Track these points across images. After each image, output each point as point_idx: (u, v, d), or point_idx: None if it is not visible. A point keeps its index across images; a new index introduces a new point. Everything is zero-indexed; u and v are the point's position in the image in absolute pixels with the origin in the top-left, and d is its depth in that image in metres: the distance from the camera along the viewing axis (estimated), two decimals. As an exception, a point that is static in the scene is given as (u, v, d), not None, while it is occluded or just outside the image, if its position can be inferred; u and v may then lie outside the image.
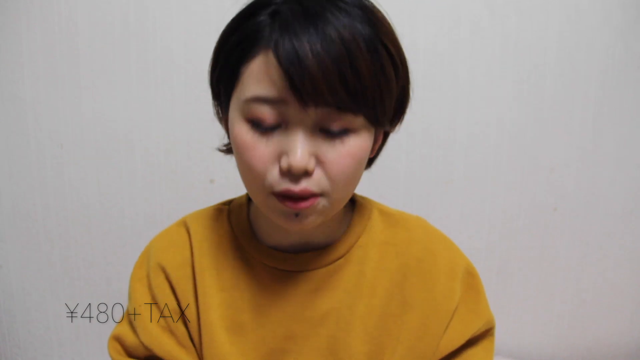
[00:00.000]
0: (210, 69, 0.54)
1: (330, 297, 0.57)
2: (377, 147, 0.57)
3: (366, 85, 0.46)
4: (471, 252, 1.13)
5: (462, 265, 0.61)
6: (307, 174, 0.48)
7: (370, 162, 0.61)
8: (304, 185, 0.48)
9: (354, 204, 0.63)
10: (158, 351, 0.57)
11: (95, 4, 1.09)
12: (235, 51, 0.49)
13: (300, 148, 0.46)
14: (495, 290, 1.14)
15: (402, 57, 0.51)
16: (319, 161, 0.48)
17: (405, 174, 1.10)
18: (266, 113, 0.47)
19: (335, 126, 0.47)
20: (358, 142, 0.49)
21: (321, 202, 0.50)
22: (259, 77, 0.47)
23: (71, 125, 1.15)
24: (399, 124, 0.58)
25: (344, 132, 0.48)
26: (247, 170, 0.50)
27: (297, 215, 0.50)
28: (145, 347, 0.58)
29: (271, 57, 0.46)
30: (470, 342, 0.59)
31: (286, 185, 0.48)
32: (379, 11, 0.50)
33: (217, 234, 0.61)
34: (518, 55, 1.06)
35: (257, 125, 0.48)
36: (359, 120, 0.48)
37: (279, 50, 0.44)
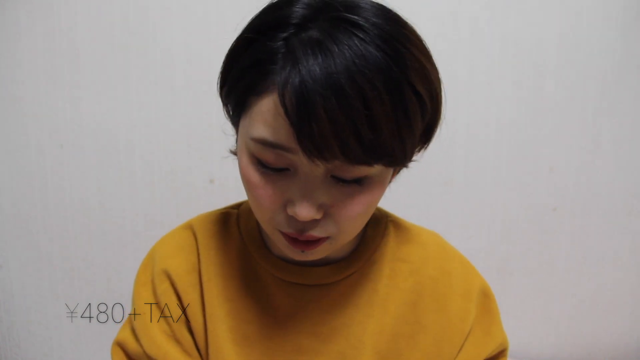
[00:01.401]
0: (219, 82, 0.49)
1: (341, 313, 0.56)
2: (397, 173, 0.55)
3: (385, 137, 0.41)
4: (471, 252, 1.13)
5: (477, 286, 0.59)
6: (313, 221, 0.46)
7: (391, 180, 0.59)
8: (309, 232, 0.46)
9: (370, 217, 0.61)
10: None
11: (95, 4, 1.09)
12: (245, 77, 0.44)
13: (307, 200, 0.44)
14: (495, 290, 1.13)
15: (432, 91, 0.45)
16: (327, 206, 0.45)
17: (405, 174, 1.09)
18: (272, 158, 0.44)
19: (348, 176, 0.44)
20: (371, 189, 0.46)
21: (328, 241, 0.48)
22: (267, 120, 0.42)
23: (71, 125, 1.15)
24: (423, 150, 0.53)
25: (357, 181, 0.45)
26: (255, 205, 0.48)
27: (303, 251, 0.49)
28: (149, 357, 0.56)
29: (278, 103, 0.41)
30: None
31: (291, 231, 0.47)
32: (407, 36, 0.44)
33: (225, 241, 0.59)
34: (518, 55, 1.06)
35: (263, 165, 0.45)
36: (374, 168, 0.44)
37: (286, 99, 0.39)
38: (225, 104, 0.51)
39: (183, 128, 1.12)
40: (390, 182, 0.55)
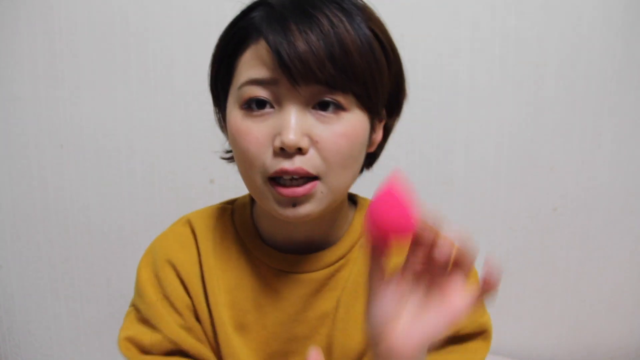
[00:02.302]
0: (210, 73, 0.56)
1: (330, 297, 0.58)
2: (375, 140, 0.56)
3: (354, 61, 0.47)
4: (471, 252, 1.13)
5: None
6: (300, 152, 0.48)
7: (372, 160, 0.60)
8: (298, 164, 0.48)
9: (357, 205, 0.63)
10: (184, 345, 0.56)
11: (95, 4, 1.09)
12: (229, 47, 0.52)
13: (292, 126, 0.47)
14: (495, 290, 1.14)
15: (392, 45, 0.53)
16: (313, 141, 0.48)
17: (405, 174, 1.09)
18: (259, 92, 0.49)
19: (328, 108, 0.49)
20: (351, 122, 0.49)
21: (319, 187, 0.49)
22: (251, 63, 0.49)
23: (71, 125, 1.15)
24: (397, 117, 0.58)
25: (336, 111, 0.49)
26: (243, 157, 0.50)
27: (294, 204, 0.50)
28: (172, 342, 0.57)
29: (262, 43, 0.48)
30: (455, 340, 0.58)
31: (280, 165, 0.48)
32: (369, 7, 0.52)
33: (221, 234, 0.61)
34: (518, 55, 1.06)
35: (251, 108, 0.49)
36: (350, 99, 0.49)
37: (268, 34, 0.47)
38: (216, 91, 0.56)
39: (183, 128, 1.12)
40: (376, 153, 0.59)
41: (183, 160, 1.13)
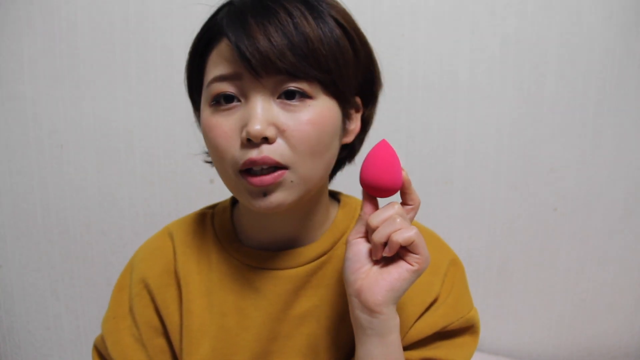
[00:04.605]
0: (185, 78, 0.57)
1: (312, 294, 0.57)
2: (353, 130, 0.56)
3: (315, 49, 0.48)
4: (471, 252, 1.14)
5: (445, 261, 0.60)
6: (267, 141, 0.48)
7: (352, 152, 0.60)
8: (265, 153, 0.48)
9: (339, 203, 0.63)
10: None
11: (95, 4, 1.09)
12: (199, 50, 0.54)
13: (258, 116, 0.48)
14: (495, 290, 1.14)
15: (358, 33, 0.53)
16: (280, 130, 0.49)
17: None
18: (225, 87, 0.50)
19: (293, 97, 0.49)
20: (318, 110, 0.50)
21: (288, 176, 0.49)
22: (216, 61, 0.51)
23: (71, 125, 1.15)
24: (373, 108, 0.58)
25: (302, 99, 0.49)
26: (215, 151, 0.51)
27: (265, 194, 0.50)
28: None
29: (225, 41, 0.50)
30: (443, 335, 0.58)
31: (247, 156, 0.48)
32: (338, 4, 0.53)
33: (200, 238, 0.61)
34: (518, 55, 1.06)
35: (219, 103, 0.50)
36: (315, 87, 0.49)
37: (229, 31, 0.48)
38: (192, 94, 0.57)
39: (183, 128, 1.12)
40: (355, 145, 0.59)
41: (183, 160, 1.13)
